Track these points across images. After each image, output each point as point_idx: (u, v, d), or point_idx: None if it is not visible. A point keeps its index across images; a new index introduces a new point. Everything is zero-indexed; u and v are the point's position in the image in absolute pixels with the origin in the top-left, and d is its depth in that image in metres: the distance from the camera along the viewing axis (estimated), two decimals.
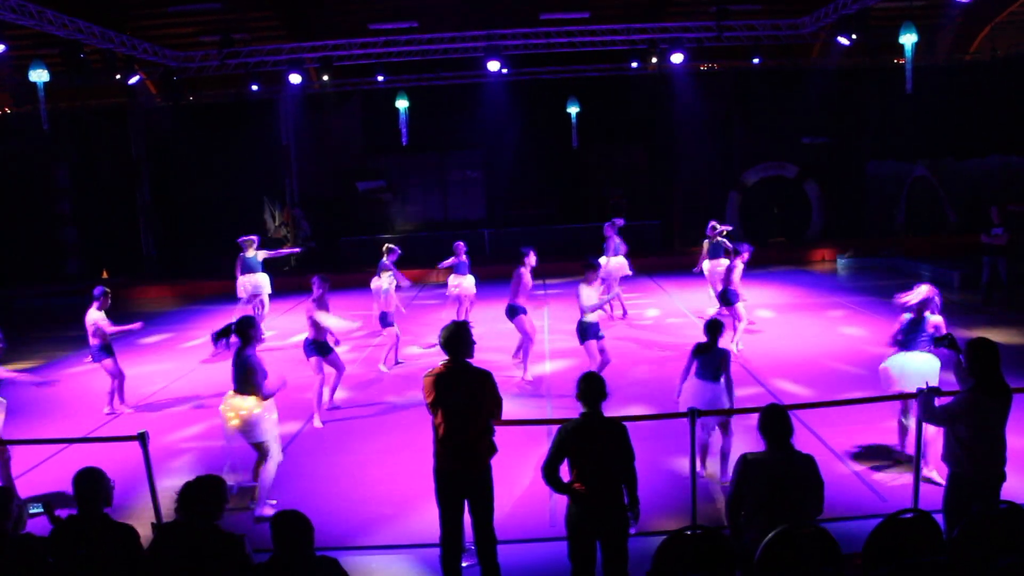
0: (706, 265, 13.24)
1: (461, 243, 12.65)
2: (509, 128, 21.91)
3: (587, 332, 8.92)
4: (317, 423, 8.69)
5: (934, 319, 6.73)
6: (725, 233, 13.28)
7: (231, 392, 6.31)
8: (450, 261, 12.56)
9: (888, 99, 20.49)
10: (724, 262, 12.04)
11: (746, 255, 11.03)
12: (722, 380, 6.70)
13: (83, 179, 21.74)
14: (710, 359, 6.72)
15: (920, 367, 6.61)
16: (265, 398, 6.24)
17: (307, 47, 17.96)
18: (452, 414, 5.05)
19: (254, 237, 13.58)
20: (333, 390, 9.14)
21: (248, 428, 6.20)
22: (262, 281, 13.36)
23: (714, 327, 6.85)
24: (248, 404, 6.17)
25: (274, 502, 6.40)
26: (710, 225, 13.24)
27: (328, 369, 8.81)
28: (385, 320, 10.93)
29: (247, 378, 6.19)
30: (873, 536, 4.23)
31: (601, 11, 19.09)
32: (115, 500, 4.55)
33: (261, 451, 6.34)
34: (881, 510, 5.80)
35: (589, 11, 18.89)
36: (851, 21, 15.31)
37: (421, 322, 13.83)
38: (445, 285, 13.15)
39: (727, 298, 10.90)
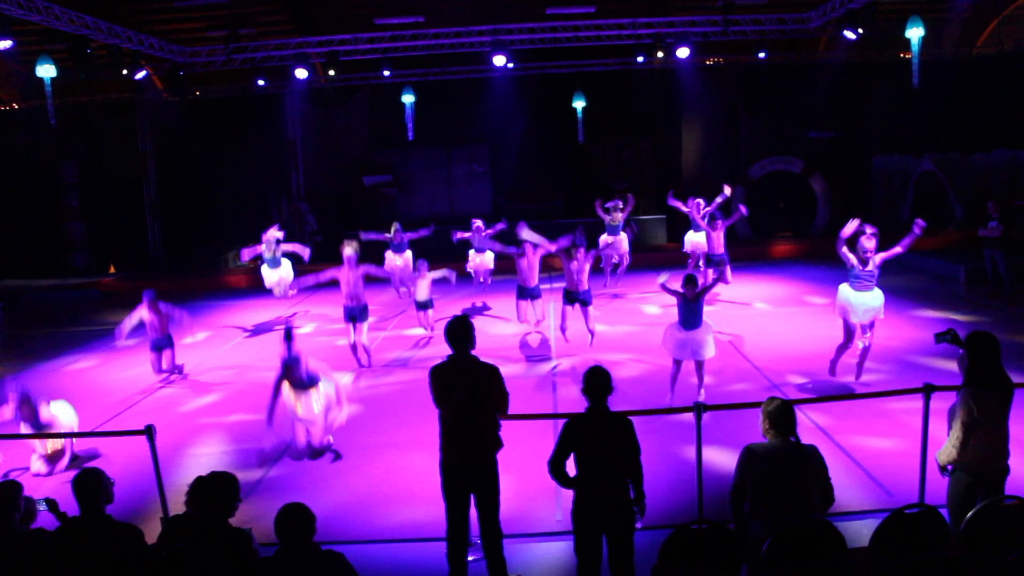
0: (691, 236, 14.59)
1: (481, 224, 14.11)
2: (515, 122, 21.89)
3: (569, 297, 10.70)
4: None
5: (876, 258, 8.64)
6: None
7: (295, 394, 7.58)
8: (464, 235, 14.10)
9: (894, 93, 20.39)
10: (702, 235, 13.79)
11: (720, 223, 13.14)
12: (701, 326, 8.12)
13: (90, 174, 21.80)
14: (690, 309, 8.05)
15: (865, 300, 8.44)
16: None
17: (313, 42, 17.97)
18: (457, 408, 5.06)
19: (280, 233, 13.68)
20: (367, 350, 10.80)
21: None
22: (284, 273, 13.74)
23: (691, 280, 8.09)
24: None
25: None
26: (694, 203, 14.20)
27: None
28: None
29: (312, 381, 7.60)
30: (879, 531, 4.23)
31: (607, 5, 19.02)
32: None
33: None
34: (887, 505, 5.81)
35: (595, 5, 18.83)
36: (858, 15, 15.23)
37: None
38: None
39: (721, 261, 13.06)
